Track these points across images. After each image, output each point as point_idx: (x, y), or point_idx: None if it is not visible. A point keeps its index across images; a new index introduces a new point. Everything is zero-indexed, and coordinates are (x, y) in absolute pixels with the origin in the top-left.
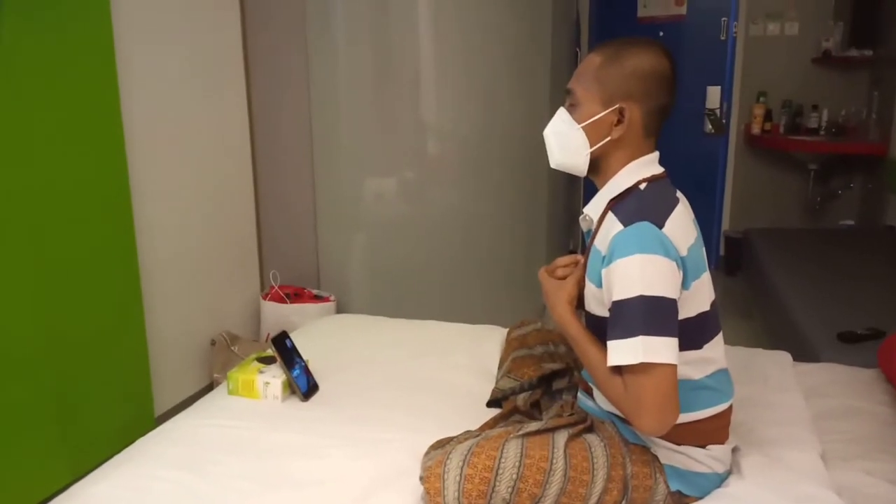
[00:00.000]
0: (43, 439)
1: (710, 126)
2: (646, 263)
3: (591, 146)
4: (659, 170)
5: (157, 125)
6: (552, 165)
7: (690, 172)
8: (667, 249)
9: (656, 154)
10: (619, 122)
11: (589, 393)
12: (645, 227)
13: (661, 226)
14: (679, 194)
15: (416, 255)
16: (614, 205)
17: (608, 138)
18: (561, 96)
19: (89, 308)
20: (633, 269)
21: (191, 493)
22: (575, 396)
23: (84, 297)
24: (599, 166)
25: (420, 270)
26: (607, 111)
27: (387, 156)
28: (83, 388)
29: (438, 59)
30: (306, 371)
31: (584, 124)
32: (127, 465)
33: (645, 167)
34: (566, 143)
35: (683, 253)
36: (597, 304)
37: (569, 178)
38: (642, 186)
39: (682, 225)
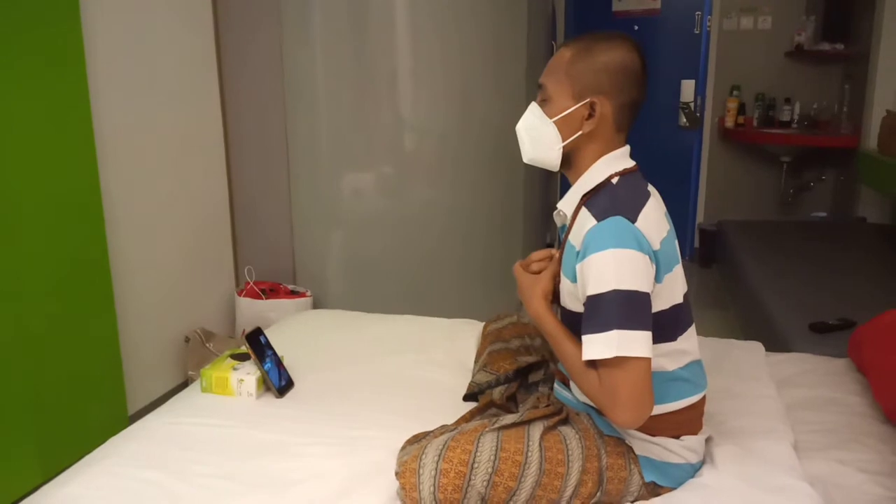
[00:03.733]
0: (14, 439)
1: (685, 119)
2: (619, 258)
3: (563, 140)
4: (630, 163)
5: (128, 121)
6: (525, 160)
7: (665, 166)
8: (640, 243)
9: (627, 148)
10: (591, 116)
11: (565, 384)
12: (618, 221)
13: (633, 220)
14: (651, 188)
15: (392, 250)
16: (587, 200)
17: (580, 132)
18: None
19: (59, 307)
20: (606, 264)
21: (165, 492)
22: (551, 388)
23: (54, 296)
24: (571, 161)
25: (396, 265)
26: (578, 105)
27: (363, 151)
28: (54, 387)
29: (415, 54)
30: (281, 367)
31: (555, 119)
32: (99, 464)
33: (617, 161)
34: (538, 137)
35: (656, 246)
36: (572, 298)
37: (545, 173)
38: (614, 181)
39: (654, 218)
